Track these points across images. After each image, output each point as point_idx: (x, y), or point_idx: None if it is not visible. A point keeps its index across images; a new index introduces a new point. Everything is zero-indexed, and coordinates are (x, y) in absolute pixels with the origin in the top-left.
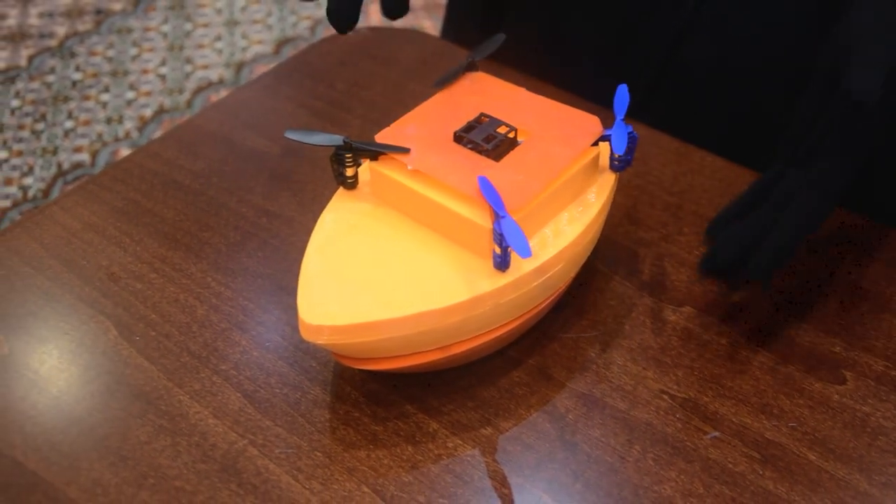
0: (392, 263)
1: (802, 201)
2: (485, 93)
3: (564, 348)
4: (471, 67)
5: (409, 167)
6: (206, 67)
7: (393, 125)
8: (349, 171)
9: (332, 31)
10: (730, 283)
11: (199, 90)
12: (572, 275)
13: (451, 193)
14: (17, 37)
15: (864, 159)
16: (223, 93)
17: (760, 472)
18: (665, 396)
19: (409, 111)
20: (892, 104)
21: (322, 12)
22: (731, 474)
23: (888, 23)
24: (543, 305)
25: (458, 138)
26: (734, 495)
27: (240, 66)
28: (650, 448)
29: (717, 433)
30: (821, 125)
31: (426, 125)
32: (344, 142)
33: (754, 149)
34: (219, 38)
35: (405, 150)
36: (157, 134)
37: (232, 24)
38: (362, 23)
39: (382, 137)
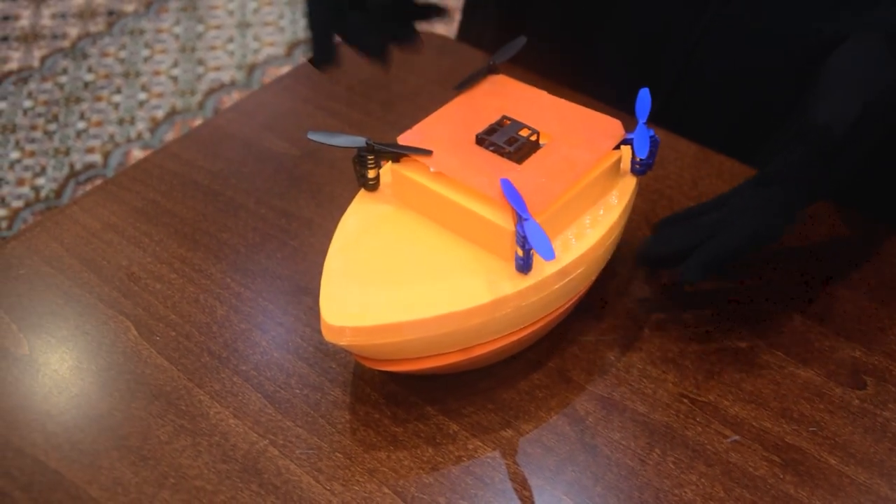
0: (414, 265)
1: (750, 218)
2: (506, 95)
3: (584, 351)
4: (492, 70)
5: (432, 169)
6: (217, 69)
7: (415, 127)
8: (371, 173)
9: None
10: (672, 286)
11: (210, 92)
12: (594, 277)
13: (474, 195)
14: (29, 38)
15: (823, 192)
16: (235, 95)
17: (781, 477)
18: (685, 400)
19: (426, 114)
20: (857, 145)
21: None
22: (751, 478)
23: (862, 69)
24: (564, 308)
25: (480, 141)
26: (755, 499)
27: (252, 68)
28: (670, 451)
29: (737, 437)
30: (786, 152)
31: (448, 128)
32: (367, 143)
33: (770, 152)
34: (231, 39)
35: (427, 153)
36: (170, 135)
37: (244, 25)
38: None
39: (404, 139)
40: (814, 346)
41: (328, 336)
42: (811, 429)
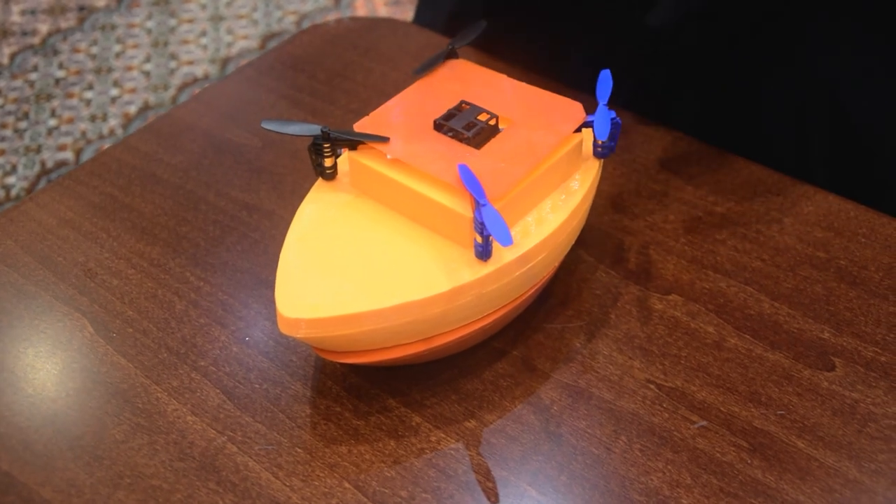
0: (372, 254)
1: None
2: (465, 80)
3: (549, 339)
4: (451, 55)
5: (389, 156)
6: (191, 63)
7: (372, 114)
8: (328, 162)
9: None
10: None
11: (184, 86)
12: (556, 264)
13: (432, 182)
14: None
15: None
16: None
17: (749, 461)
18: (652, 386)
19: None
20: None
21: (307, 6)
22: (718, 464)
23: None
24: (527, 295)
25: (439, 126)
26: (722, 485)
27: (225, 62)
28: (637, 439)
29: (704, 422)
30: None
31: (406, 113)
32: (322, 131)
33: (737, 134)
34: (203, 33)
35: (384, 140)
36: None
37: (217, 19)
38: (347, 13)
39: (361, 126)
40: (782, 329)
41: (284, 329)
42: (779, 412)
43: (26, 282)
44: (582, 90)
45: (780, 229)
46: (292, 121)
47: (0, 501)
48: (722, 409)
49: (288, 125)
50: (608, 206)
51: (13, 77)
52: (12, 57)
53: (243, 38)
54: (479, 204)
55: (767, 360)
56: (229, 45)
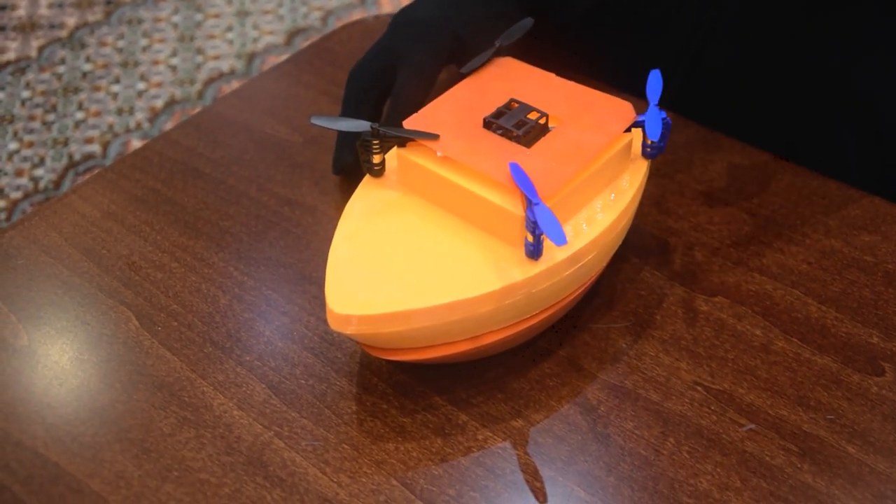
0: (421, 252)
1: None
2: (514, 78)
3: (595, 339)
4: (498, 53)
5: (439, 154)
6: (217, 58)
7: (421, 111)
8: (376, 158)
9: (343, 21)
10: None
11: (210, 81)
12: (605, 263)
13: (482, 180)
14: (27, 27)
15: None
16: (234, 83)
17: (799, 466)
18: (699, 388)
19: (431, 98)
20: None
21: (333, 2)
22: (768, 467)
23: None
24: (575, 295)
25: (488, 124)
26: (772, 489)
27: (251, 57)
28: (685, 440)
29: (753, 425)
30: None
31: (455, 111)
32: (371, 128)
33: (780, 136)
34: (230, 28)
35: (434, 137)
36: (169, 125)
37: (243, 14)
38: (373, 9)
39: (410, 123)
40: (830, 333)
41: (334, 325)
42: (829, 417)
43: (71, 274)
44: (623, 90)
45: (826, 232)
46: (341, 117)
47: (49, 492)
48: (770, 412)
49: (337, 121)
50: (652, 206)
51: (41, 70)
52: (40, 50)
53: (269, 34)
54: (531, 203)
55: (815, 364)
56: (255, 40)
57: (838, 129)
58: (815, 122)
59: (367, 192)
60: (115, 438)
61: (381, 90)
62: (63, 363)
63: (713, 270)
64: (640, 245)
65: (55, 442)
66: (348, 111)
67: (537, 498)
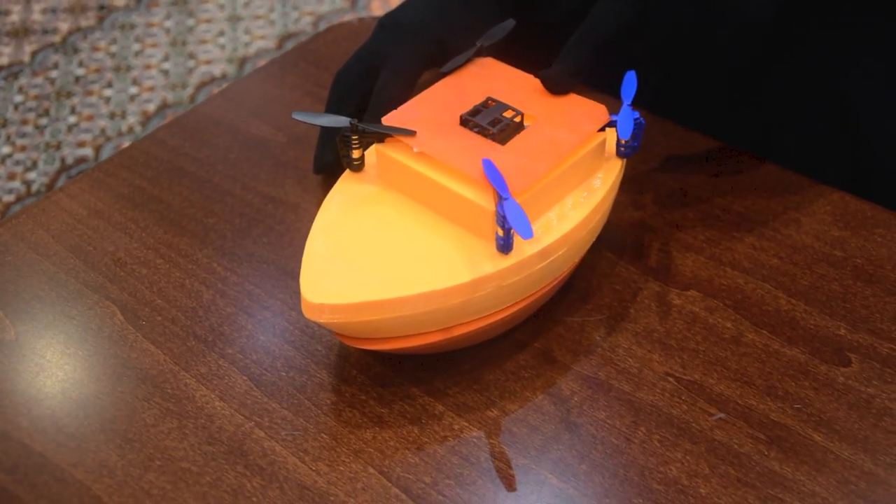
0: (395, 244)
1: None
2: (492, 78)
3: (569, 332)
4: (479, 53)
5: (415, 150)
6: (208, 62)
7: (400, 108)
8: (355, 154)
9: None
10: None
11: (202, 85)
12: (577, 259)
13: (456, 176)
14: (20, 32)
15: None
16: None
17: (766, 453)
18: (670, 379)
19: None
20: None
21: (324, 7)
22: (736, 455)
23: None
24: (547, 289)
25: (465, 122)
26: (740, 475)
27: (242, 61)
28: (656, 429)
29: (722, 415)
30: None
31: (433, 109)
32: (350, 123)
33: (754, 135)
34: (221, 33)
35: (411, 133)
36: None
37: (234, 19)
38: (364, 13)
39: (389, 120)
40: (799, 325)
41: (308, 313)
42: (796, 406)
43: (58, 270)
44: (602, 91)
45: (798, 228)
46: (322, 113)
47: (33, 481)
48: (740, 402)
49: (318, 117)
50: (628, 203)
51: (34, 74)
52: (33, 55)
53: (260, 38)
54: (501, 198)
55: (784, 356)
56: (247, 44)
57: (812, 125)
58: (790, 118)
59: (345, 187)
60: (100, 429)
61: (364, 91)
62: (49, 356)
63: (686, 265)
64: (615, 241)
65: (40, 433)
66: (331, 111)
67: (511, 485)
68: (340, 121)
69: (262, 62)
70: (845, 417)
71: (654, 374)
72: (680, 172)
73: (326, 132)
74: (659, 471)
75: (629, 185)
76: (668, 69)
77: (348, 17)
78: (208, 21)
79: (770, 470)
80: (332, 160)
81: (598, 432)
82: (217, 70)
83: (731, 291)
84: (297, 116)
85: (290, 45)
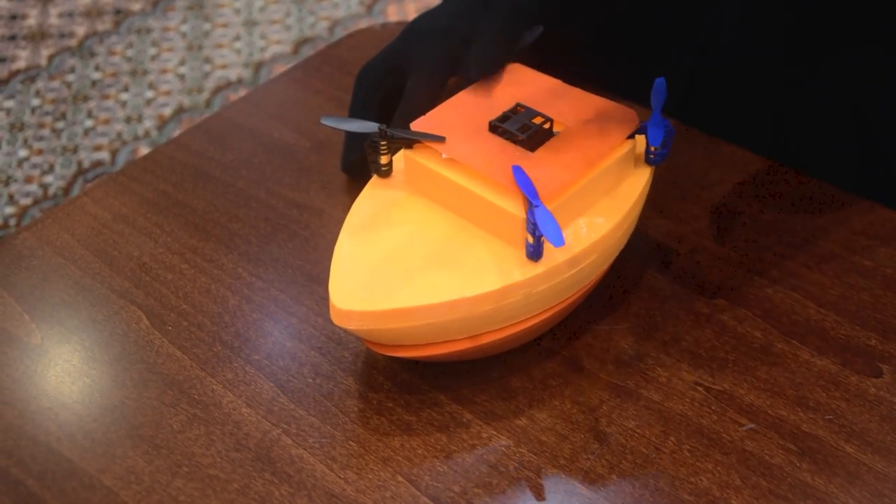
0: (424, 251)
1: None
2: (521, 84)
3: (597, 340)
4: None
5: (444, 156)
6: (224, 67)
7: (428, 114)
8: (384, 159)
9: (350, 31)
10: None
11: (218, 89)
12: (605, 267)
13: (485, 182)
14: (37, 36)
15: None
16: (242, 92)
17: (798, 465)
18: (700, 388)
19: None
20: None
21: (340, 12)
22: (768, 466)
23: None
24: (576, 297)
25: (494, 128)
26: (772, 487)
27: (258, 66)
28: (686, 440)
29: (752, 425)
30: None
31: (462, 115)
32: (379, 129)
33: (782, 143)
34: (237, 37)
35: (440, 139)
36: (176, 133)
37: (250, 24)
38: (380, 18)
39: (418, 126)
40: (829, 335)
41: (336, 320)
42: (827, 417)
43: (83, 274)
44: (631, 98)
45: (826, 237)
46: (350, 118)
47: (62, 487)
48: (770, 412)
49: (346, 122)
50: (656, 211)
51: (51, 78)
52: (50, 58)
53: (276, 43)
54: (532, 205)
55: (814, 366)
56: (262, 49)
57: (839, 135)
58: (816, 128)
59: (373, 192)
60: (127, 435)
61: (387, 90)
62: (75, 361)
63: (714, 274)
64: (643, 249)
65: (68, 438)
66: (355, 109)
67: (541, 495)
68: (369, 126)
69: (277, 67)
70: (877, 429)
71: (683, 384)
72: (706, 180)
73: (352, 136)
74: (690, 481)
75: (656, 194)
76: (692, 77)
77: (364, 22)
78: (224, 25)
79: (802, 482)
80: (358, 159)
81: (628, 442)
82: (233, 74)
83: (760, 301)
84: (326, 122)
85: (306, 50)
